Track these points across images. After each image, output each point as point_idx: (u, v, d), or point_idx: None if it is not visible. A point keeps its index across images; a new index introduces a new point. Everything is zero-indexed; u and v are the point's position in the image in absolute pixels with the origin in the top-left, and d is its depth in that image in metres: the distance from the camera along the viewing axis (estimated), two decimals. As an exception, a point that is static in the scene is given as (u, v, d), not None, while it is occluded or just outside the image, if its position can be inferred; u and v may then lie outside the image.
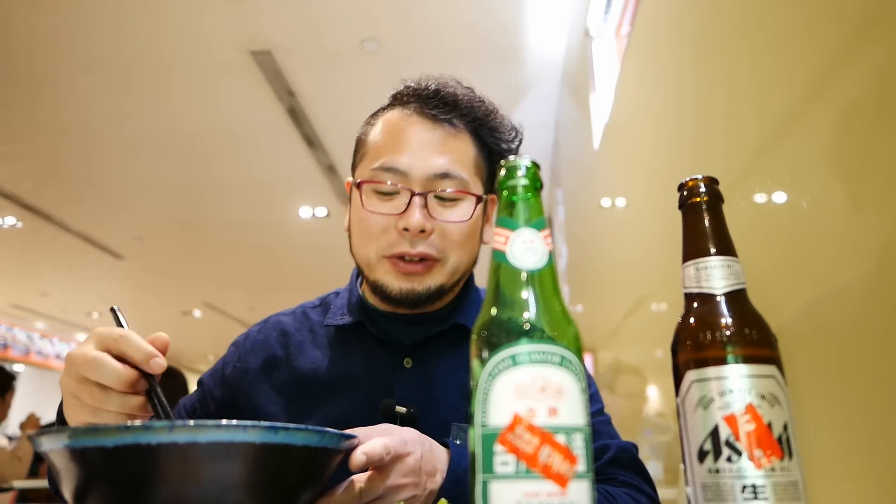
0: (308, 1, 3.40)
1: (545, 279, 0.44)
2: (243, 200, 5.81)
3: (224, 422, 0.45)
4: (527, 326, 0.42)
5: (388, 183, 0.82)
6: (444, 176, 0.82)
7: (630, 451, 0.85)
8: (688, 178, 0.52)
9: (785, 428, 0.44)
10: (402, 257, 0.82)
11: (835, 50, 0.82)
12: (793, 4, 0.96)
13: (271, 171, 5.26)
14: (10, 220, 6.28)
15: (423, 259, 0.82)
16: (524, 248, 0.44)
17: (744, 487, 0.42)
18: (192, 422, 0.44)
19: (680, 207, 0.52)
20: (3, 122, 4.53)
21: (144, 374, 0.63)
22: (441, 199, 0.83)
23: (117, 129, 4.61)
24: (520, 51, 3.84)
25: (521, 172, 0.47)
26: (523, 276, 0.44)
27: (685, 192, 0.52)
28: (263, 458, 0.47)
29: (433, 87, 0.87)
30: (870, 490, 0.74)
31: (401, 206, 0.82)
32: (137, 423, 0.45)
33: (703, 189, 0.51)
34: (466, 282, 0.96)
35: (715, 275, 0.49)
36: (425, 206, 0.82)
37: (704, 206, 0.51)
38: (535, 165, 0.48)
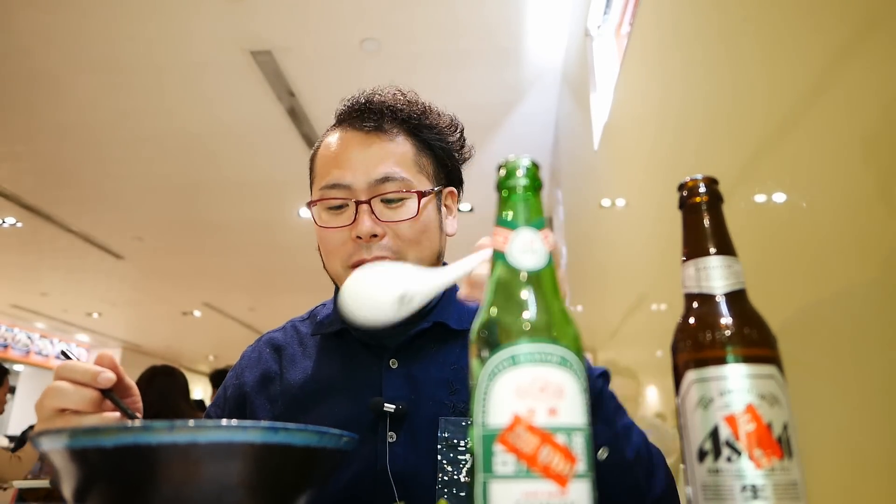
0: (308, 1, 3.40)
1: (545, 279, 0.44)
2: (243, 200, 5.81)
3: (224, 422, 0.45)
4: (527, 326, 0.42)
5: (336, 198, 0.87)
6: (385, 180, 0.86)
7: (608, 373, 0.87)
8: (688, 178, 0.52)
9: (785, 428, 0.44)
10: (363, 264, 0.85)
11: (835, 50, 0.82)
12: (792, 5, 0.96)
13: (271, 171, 5.26)
14: (10, 220, 6.27)
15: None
16: (524, 248, 0.44)
17: (743, 487, 0.42)
18: (191, 422, 0.44)
19: (680, 207, 0.52)
20: (3, 122, 4.53)
21: (103, 392, 0.68)
22: (387, 201, 0.87)
23: (117, 129, 4.61)
24: (520, 51, 3.83)
25: (520, 172, 0.47)
26: (523, 276, 0.44)
27: (685, 193, 0.52)
28: (263, 458, 0.47)
29: (363, 99, 0.92)
30: (870, 490, 0.74)
31: (351, 216, 0.86)
32: (137, 423, 0.45)
33: (702, 189, 0.51)
34: None
35: (715, 275, 0.49)
36: (372, 211, 0.85)
37: (704, 206, 0.51)
38: (535, 165, 0.48)
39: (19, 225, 6.38)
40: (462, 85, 4.05)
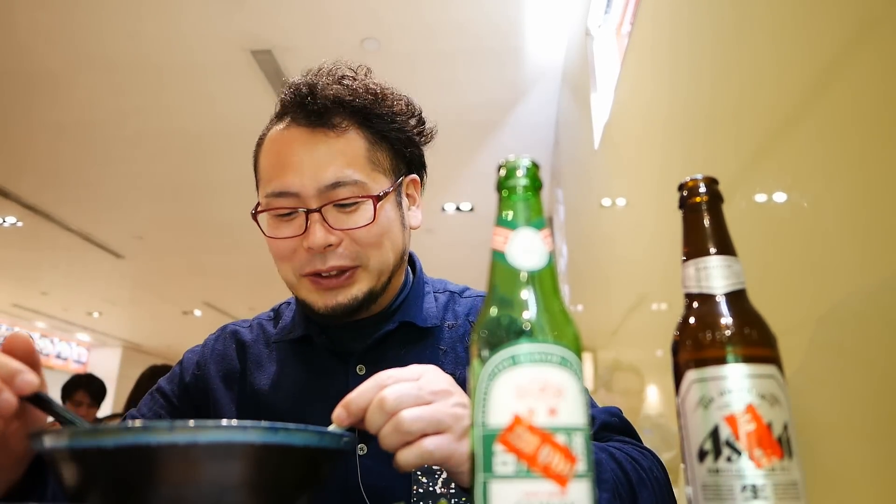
0: (308, 1, 3.40)
1: (545, 279, 0.44)
2: (244, 200, 5.75)
3: (224, 422, 0.45)
4: (527, 326, 0.42)
5: (283, 207, 0.80)
6: (336, 185, 0.78)
7: (618, 414, 0.83)
8: (688, 178, 0.52)
9: (785, 428, 0.44)
10: (318, 274, 0.80)
11: (836, 49, 0.82)
12: (793, 4, 0.96)
13: (271, 170, 5.25)
14: (10, 220, 6.27)
15: (341, 271, 0.80)
16: (524, 248, 0.44)
17: (744, 487, 0.42)
18: (192, 422, 0.44)
19: (680, 207, 0.52)
20: (3, 122, 4.53)
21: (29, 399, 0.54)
22: (342, 205, 0.79)
23: (117, 129, 4.61)
24: (520, 51, 3.83)
25: (520, 172, 0.47)
26: (523, 276, 0.44)
27: (685, 192, 0.52)
28: (263, 458, 0.47)
29: (305, 89, 0.82)
30: (870, 490, 0.74)
31: (302, 225, 0.79)
32: (137, 423, 0.45)
33: (703, 189, 0.51)
34: (409, 277, 0.92)
35: (715, 275, 0.49)
36: (324, 220, 0.78)
37: (704, 206, 0.51)
38: (535, 165, 0.47)
39: (19, 224, 6.38)
40: (462, 85, 4.05)
